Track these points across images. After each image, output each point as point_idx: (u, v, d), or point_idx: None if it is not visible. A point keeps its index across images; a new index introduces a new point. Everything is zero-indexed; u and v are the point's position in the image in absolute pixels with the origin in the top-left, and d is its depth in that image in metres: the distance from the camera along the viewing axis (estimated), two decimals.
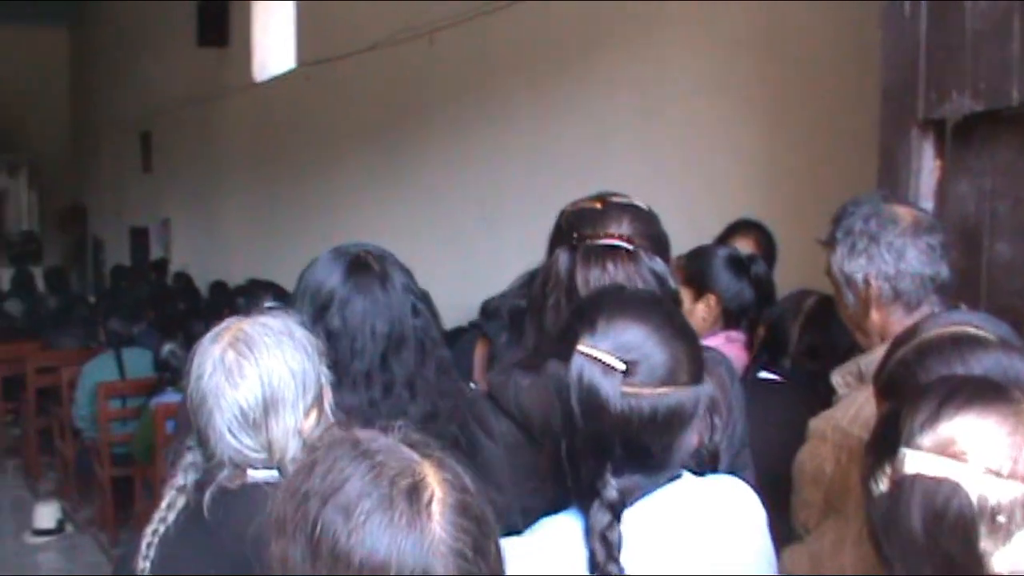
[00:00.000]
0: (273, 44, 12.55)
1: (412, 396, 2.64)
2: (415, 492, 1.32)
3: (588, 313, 1.79)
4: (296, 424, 1.97)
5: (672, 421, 1.73)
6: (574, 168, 7.39)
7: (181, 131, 15.51)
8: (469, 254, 8.75)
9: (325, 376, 2.08)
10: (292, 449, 1.94)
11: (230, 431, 1.96)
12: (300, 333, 2.07)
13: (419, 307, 2.72)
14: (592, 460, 1.73)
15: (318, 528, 1.31)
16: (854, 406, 2.53)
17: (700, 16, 6.27)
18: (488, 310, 4.95)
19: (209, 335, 2.07)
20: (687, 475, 1.86)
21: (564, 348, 1.77)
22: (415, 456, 1.37)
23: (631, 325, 1.75)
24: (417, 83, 9.55)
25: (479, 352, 4.44)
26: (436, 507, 1.32)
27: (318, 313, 2.61)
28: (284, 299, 4.70)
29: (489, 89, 8.52)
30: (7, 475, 10.81)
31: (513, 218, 8.21)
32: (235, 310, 8.37)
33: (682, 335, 1.79)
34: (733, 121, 6.13)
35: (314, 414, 2.01)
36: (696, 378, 1.77)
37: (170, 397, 6.88)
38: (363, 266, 2.69)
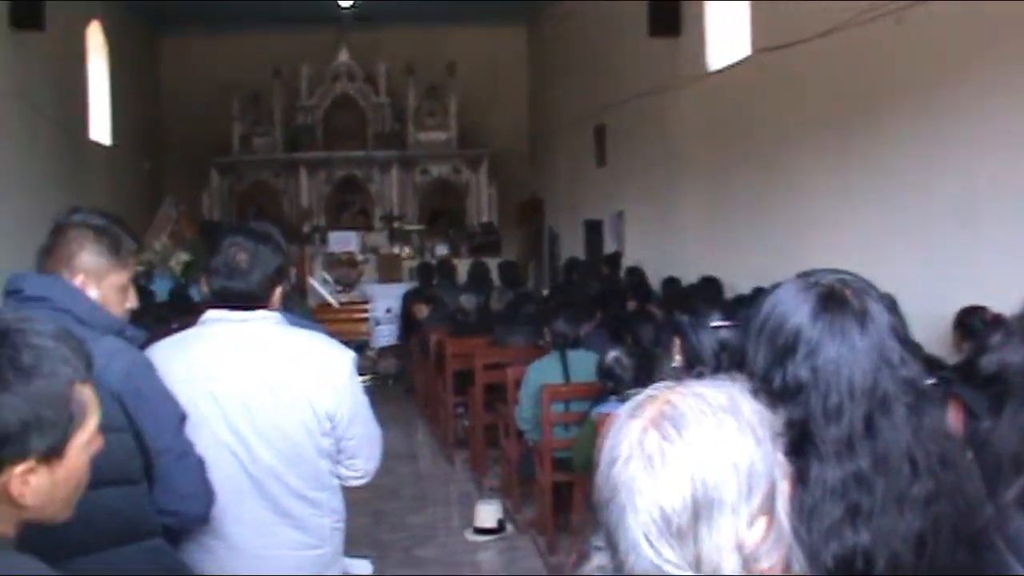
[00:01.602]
0: (726, 32, 12.09)
1: (915, 472, 2.05)
2: None
3: None
4: (736, 536, 1.39)
5: None
6: None
7: (634, 124, 15.31)
8: (942, 257, 7.88)
9: (781, 469, 1.47)
10: (729, 568, 1.37)
11: (647, 539, 1.40)
12: (749, 409, 1.47)
13: (906, 355, 2.11)
14: None
15: None
16: None
17: None
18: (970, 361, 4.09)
19: (629, 406, 1.53)
20: None
21: None
22: None
23: None
24: (881, 67, 8.77)
25: (952, 418, 3.67)
26: None
27: (778, 356, 2.08)
28: (735, 311, 4.13)
29: (968, 70, 7.62)
30: (455, 468, 10.96)
31: (994, 216, 7.30)
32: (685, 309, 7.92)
33: None
34: None
35: (762, 523, 1.41)
36: None
37: (612, 407, 6.48)
38: (838, 301, 2.12)
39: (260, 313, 3.59)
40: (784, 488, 1.47)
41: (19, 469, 1.80)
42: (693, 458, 1.41)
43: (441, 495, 10.31)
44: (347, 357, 3.70)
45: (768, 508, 1.43)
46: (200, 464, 3.24)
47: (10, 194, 12.83)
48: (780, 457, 1.47)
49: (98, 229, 3.30)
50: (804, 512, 1.99)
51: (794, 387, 2.05)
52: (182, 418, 3.23)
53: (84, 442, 1.89)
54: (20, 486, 1.80)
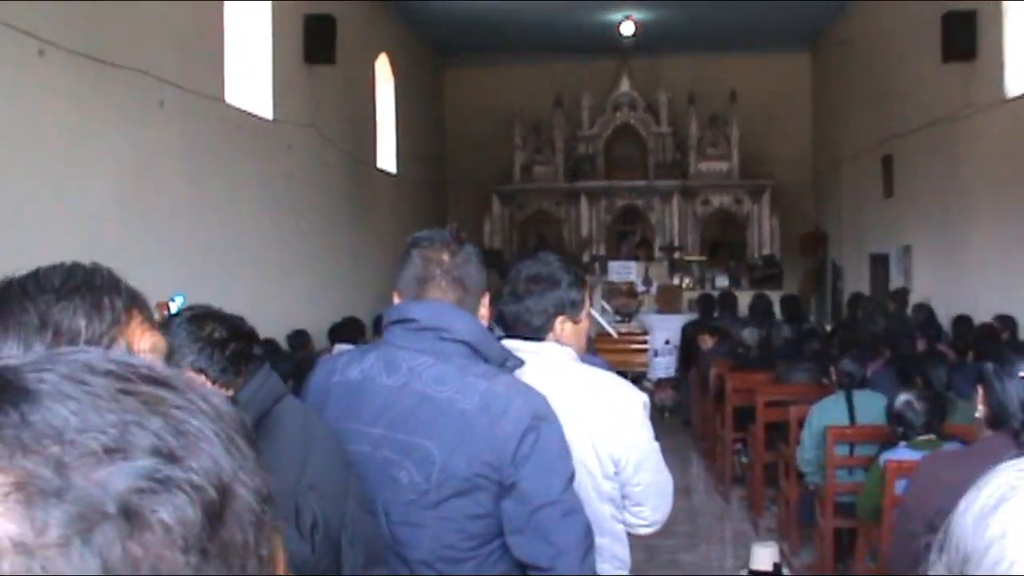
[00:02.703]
0: None
1: None
2: None
3: None
4: None
5: None
6: None
7: (925, 153, 14.70)
8: None
9: None
10: None
11: None
12: None
13: None
14: None
15: None
16: None
17: None
18: None
19: (992, 492, 1.26)
20: None
21: None
22: None
23: None
24: None
25: None
26: None
27: None
28: None
29: None
30: (731, 506, 10.70)
31: None
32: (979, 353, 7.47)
33: None
34: None
35: None
36: None
37: (903, 454, 6.15)
38: None
39: (552, 346, 3.44)
40: None
41: None
42: None
43: (715, 534, 10.07)
44: (639, 399, 3.50)
45: None
46: (587, 525, 2.99)
47: (305, 217, 13.36)
48: None
49: (470, 248, 3.15)
50: None
51: None
52: (572, 475, 2.99)
53: None
54: None
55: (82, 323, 1.32)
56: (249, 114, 11.56)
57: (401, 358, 3.00)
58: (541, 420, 2.91)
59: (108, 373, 0.76)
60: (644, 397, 3.55)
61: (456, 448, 2.87)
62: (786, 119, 22.42)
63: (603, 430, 3.38)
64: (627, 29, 19.25)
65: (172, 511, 0.71)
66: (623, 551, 3.57)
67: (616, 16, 18.87)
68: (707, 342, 13.17)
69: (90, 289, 1.34)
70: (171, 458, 0.73)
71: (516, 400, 2.91)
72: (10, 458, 0.70)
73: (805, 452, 7.91)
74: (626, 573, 3.58)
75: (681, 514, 10.25)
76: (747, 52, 21.54)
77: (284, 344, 10.32)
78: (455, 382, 2.92)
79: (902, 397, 6.48)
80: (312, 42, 13.28)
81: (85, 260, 1.52)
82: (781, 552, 8.48)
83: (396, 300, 3.13)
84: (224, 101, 10.91)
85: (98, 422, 0.72)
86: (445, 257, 3.07)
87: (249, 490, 0.77)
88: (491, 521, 2.92)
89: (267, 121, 12.12)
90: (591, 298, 3.59)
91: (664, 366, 16.57)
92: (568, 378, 3.41)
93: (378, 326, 11.04)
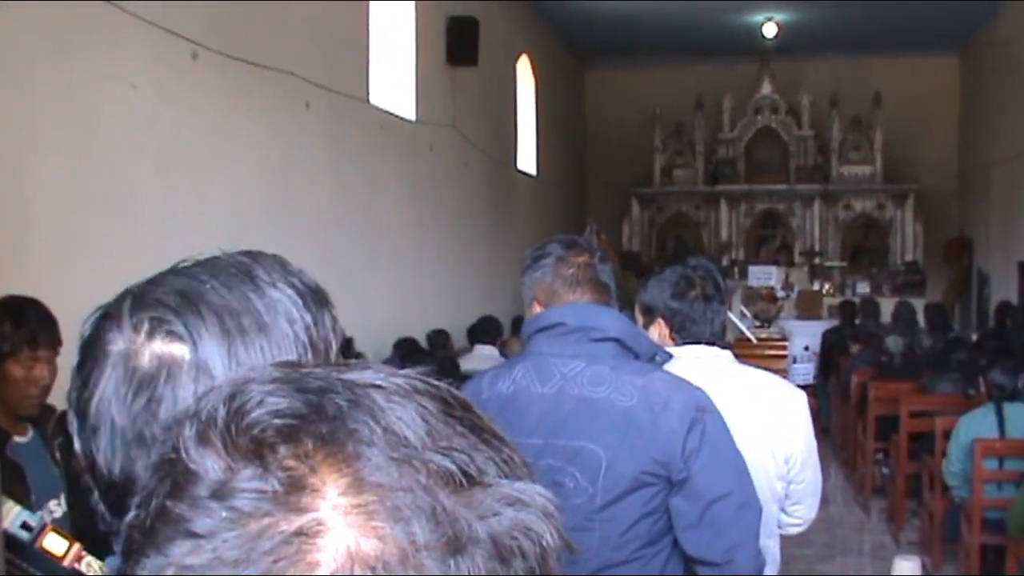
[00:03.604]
0: None
1: None
2: None
3: None
4: None
5: None
6: None
7: None
8: None
9: None
10: None
11: None
12: None
13: None
14: None
15: None
16: None
17: None
18: None
19: None
20: None
21: None
22: None
23: None
24: None
25: None
26: None
27: None
28: None
29: None
30: (871, 518, 10.49)
31: None
32: None
33: None
34: None
35: None
36: None
37: None
38: None
39: (712, 350, 3.47)
40: None
41: None
42: None
43: (854, 545, 9.88)
44: (802, 396, 3.54)
45: None
46: (759, 516, 2.94)
47: (444, 218, 13.46)
48: None
49: (603, 249, 3.20)
50: None
51: None
52: (743, 465, 2.94)
53: None
54: None
55: (332, 337, 1.26)
56: (392, 115, 11.68)
57: (552, 364, 2.95)
58: (704, 412, 2.87)
59: (429, 394, 0.75)
60: (804, 394, 3.56)
61: (621, 448, 2.82)
62: (932, 123, 21.89)
63: (777, 429, 3.39)
64: (770, 31, 19.01)
65: (533, 539, 0.70)
66: (777, 551, 3.56)
67: (758, 18, 18.66)
68: (853, 348, 12.97)
69: (318, 301, 1.27)
70: (521, 484, 0.72)
71: (676, 394, 2.86)
72: (378, 475, 0.69)
73: (952, 465, 7.73)
74: (778, 573, 3.56)
75: (819, 524, 10.01)
76: (892, 54, 21.13)
77: (424, 343, 10.40)
78: (611, 381, 2.88)
79: None
80: (455, 43, 13.36)
81: None
82: (923, 566, 8.30)
83: (536, 309, 3.11)
84: (368, 102, 11.03)
85: (446, 444, 0.71)
86: (585, 260, 3.08)
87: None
88: (656, 519, 2.87)
89: (410, 122, 12.23)
90: (730, 303, 3.61)
91: (803, 372, 16.32)
92: (733, 380, 3.43)
93: (517, 328, 11.08)
